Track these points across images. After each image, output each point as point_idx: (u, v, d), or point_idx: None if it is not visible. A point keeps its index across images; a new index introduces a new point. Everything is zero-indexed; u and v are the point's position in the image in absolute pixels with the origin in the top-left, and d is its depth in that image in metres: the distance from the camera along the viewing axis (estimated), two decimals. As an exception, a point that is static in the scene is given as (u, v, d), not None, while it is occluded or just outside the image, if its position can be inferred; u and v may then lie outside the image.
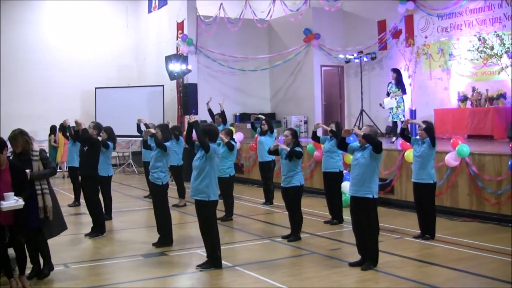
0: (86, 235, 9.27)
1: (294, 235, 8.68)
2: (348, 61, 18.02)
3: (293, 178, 8.56)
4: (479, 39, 13.90)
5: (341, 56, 18.03)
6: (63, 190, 15.17)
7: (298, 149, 8.48)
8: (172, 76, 18.05)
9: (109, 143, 10.17)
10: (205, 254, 7.30)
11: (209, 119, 14.14)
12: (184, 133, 12.30)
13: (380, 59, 17.44)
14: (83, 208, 10.68)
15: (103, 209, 9.85)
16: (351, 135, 7.48)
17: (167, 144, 8.40)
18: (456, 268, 6.95)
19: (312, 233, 9.16)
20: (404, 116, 13.62)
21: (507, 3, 13.74)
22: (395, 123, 13.80)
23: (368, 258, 7.02)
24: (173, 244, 8.43)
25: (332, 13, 18.10)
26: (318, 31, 18.57)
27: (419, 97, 14.73)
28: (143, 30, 22.11)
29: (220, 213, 8.77)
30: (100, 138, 9.75)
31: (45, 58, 20.33)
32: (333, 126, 9.84)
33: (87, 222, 9.83)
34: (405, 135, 8.78)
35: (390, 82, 13.77)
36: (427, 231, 8.53)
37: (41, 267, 6.90)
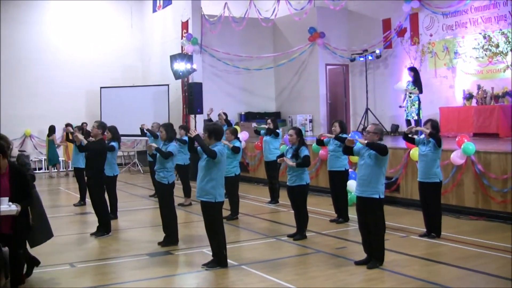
0: (91, 234, 9.28)
1: (299, 234, 8.67)
2: (353, 60, 18.02)
3: (299, 177, 8.54)
4: (484, 37, 13.85)
5: (346, 54, 18.02)
6: (69, 190, 15.23)
7: (305, 153, 8.41)
8: (177, 75, 18.08)
9: (114, 144, 10.22)
10: (211, 253, 7.30)
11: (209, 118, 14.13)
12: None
13: (385, 57, 17.41)
14: (89, 207, 10.71)
15: (109, 209, 9.88)
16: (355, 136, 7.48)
17: (172, 149, 8.40)
18: (462, 266, 6.93)
19: (318, 231, 9.16)
20: (417, 115, 13.88)
21: (512, 1, 13.72)
22: (408, 121, 14.04)
23: (374, 256, 7.01)
24: (178, 243, 8.44)
25: (337, 11, 18.08)
26: (322, 30, 18.56)
27: (424, 95, 14.71)
28: (148, 29, 22.15)
29: (225, 212, 8.76)
30: (105, 138, 9.75)
31: (48, 59, 20.39)
32: (336, 126, 9.81)
33: (92, 221, 9.85)
34: (409, 138, 8.76)
35: (409, 81, 14.44)
36: (433, 230, 8.50)
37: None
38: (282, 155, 8.84)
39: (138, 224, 10.49)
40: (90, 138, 9.96)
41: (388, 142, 13.01)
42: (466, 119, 13.93)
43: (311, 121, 18.92)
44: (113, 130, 10.31)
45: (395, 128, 16.48)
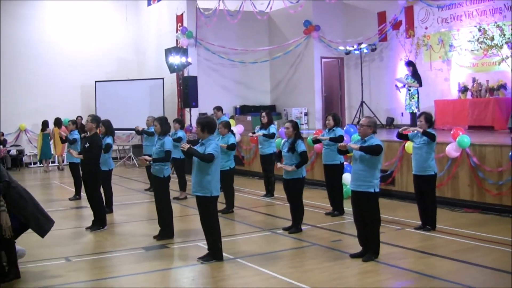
0: (87, 228, 9.27)
1: (295, 227, 8.68)
2: (348, 53, 18.00)
3: (295, 170, 8.54)
4: (480, 30, 13.84)
5: (341, 47, 18.01)
6: (64, 184, 15.19)
7: (302, 148, 8.41)
8: (172, 69, 18.03)
9: (109, 142, 10.22)
10: (206, 247, 7.31)
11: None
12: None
13: (380, 50, 17.41)
14: (84, 201, 10.69)
15: (104, 203, 9.87)
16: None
17: (168, 149, 8.36)
18: (457, 259, 6.96)
19: (313, 224, 9.17)
20: (417, 108, 13.94)
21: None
22: (413, 113, 14.07)
23: (369, 249, 7.02)
24: (174, 237, 8.44)
25: (332, 4, 18.05)
26: (318, 23, 18.53)
27: (420, 88, 14.70)
28: (143, 23, 22.03)
29: (220, 206, 8.77)
30: (100, 132, 9.74)
31: (44, 53, 20.27)
32: (330, 119, 9.85)
33: (88, 215, 9.85)
34: (403, 135, 8.75)
35: (407, 74, 14.50)
36: (428, 222, 8.52)
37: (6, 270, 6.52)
38: (279, 154, 8.83)
39: (134, 218, 10.48)
40: (84, 134, 9.96)
41: (383, 135, 13.07)
42: (461, 112, 13.96)
43: (306, 114, 18.92)
44: (107, 124, 10.27)
45: (390, 121, 16.49)
